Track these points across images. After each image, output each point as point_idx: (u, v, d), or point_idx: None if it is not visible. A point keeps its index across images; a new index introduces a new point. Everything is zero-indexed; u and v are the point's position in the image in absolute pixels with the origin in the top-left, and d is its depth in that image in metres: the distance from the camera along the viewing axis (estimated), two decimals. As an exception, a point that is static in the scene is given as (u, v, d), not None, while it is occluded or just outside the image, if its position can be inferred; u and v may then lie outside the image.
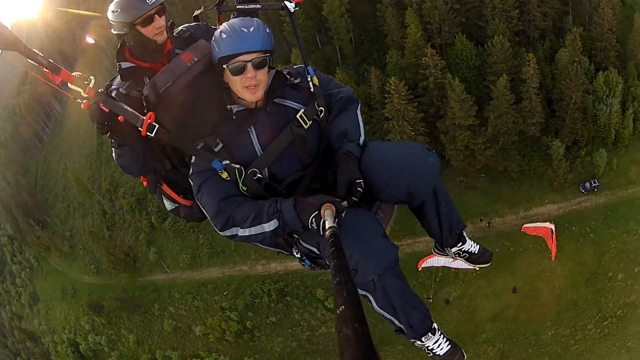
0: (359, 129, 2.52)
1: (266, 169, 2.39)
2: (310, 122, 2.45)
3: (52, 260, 50.44)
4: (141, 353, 41.13)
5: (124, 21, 2.44)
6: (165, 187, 2.73)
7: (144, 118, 2.16)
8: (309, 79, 2.52)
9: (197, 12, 2.85)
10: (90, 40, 45.68)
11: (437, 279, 33.01)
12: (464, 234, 2.83)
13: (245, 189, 2.33)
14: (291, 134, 2.41)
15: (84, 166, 47.54)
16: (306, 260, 2.54)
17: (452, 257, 2.98)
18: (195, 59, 2.37)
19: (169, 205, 2.80)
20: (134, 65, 2.59)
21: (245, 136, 2.40)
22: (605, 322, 36.92)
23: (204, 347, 37.89)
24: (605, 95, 37.83)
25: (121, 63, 2.57)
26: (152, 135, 2.19)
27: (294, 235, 2.40)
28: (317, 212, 2.02)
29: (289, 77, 2.52)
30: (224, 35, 2.24)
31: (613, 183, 38.19)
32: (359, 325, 0.75)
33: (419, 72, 32.34)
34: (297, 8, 2.56)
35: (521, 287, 33.96)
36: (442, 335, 2.69)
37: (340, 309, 0.82)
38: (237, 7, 2.64)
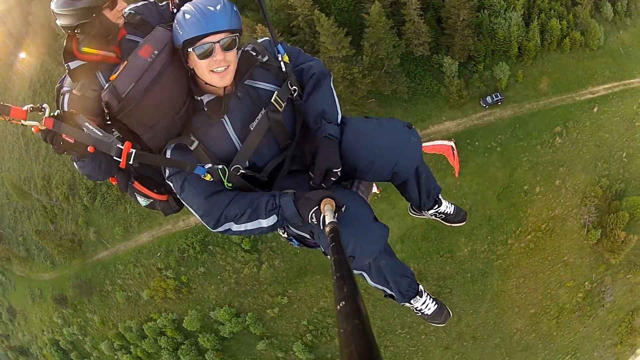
0: (335, 106, 2.49)
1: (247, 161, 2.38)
2: (285, 103, 2.42)
3: (15, 270, 54.10)
4: (107, 330, 44.97)
5: (92, 6, 2.34)
6: (137, 185, 2.60)
7: (121, 147, 2.06)
8: (279, 58, 2.47)
9: None
10: (22, 55, 45.98)
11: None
12: (440, 196, 2.99)
13: (230, 185, 2.33)
14: (267, 120, 2.37)
15: (18, 169, 51.11)
16: (294, 241, 2.62)
17: (428, 218, 3.15)
18: (156, 52, 2.17)
19: (143, 201, 2.70)
20: (83, 62, 2.43)
21: (219, 128, 2.35)
22: (529, 236, 37.38)
23: (153, 310, 41.29)
24: (504, 10, 38.46)
25: (69, 63, 2.42)
26: (131, 162, 2.10)
27: None
28: (317, 207, 2.05)
29: (256, 55, 2.45)
30: (187, 16, 2.11)
31: (520, 95, 38.59)
32: (360, 321, 0.76)
33: (290, 13, 34.67)
34: None
35: None
36: (428, 297, 2.89)
37: (341, 305, 0.83)
38: None
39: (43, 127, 2.00)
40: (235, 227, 2.30)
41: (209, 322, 39.12)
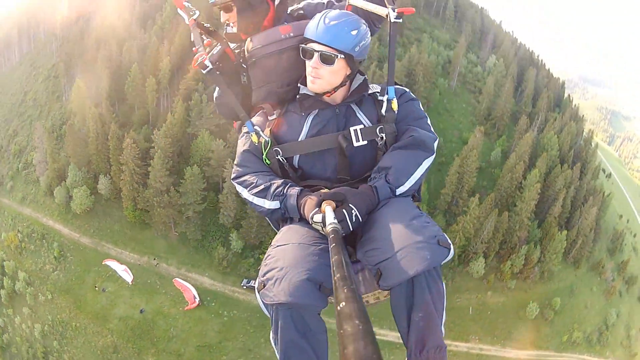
0: (410, 177, 2.54)
1: (296, 158, 2.76)
2: (365, 142, 2.66)
3: None
4: None
5: None
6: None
7: (204, 50, 2.87)
8: (384, 99, 2.75)
9: None
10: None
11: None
12: None
13: (269, 162, 2.75)
14: (336, 140, 2.65)
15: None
16: None
17: None
18: (291, 34, 2.80)
19: None
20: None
21: (299, 120, 2.76)
22: None
23: None
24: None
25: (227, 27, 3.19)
26: (209, 68, 2.78)
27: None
28: (317, 208, 2.33)
29: (377, 91, 2.81)
30: (315, 18, 2.66)
31: None
32: (360, 322, 0.83)
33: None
34: (399, 20, 2.77)
35: (148, 312, 53.40)
36: None
37: (341, 306, 0.91)
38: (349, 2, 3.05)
39: (187, 23, 3.00)
40: (245, 194, 2.70)
41: None
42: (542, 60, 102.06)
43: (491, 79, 78.38)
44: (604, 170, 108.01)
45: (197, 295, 52.44)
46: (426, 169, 2.61)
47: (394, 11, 2.69)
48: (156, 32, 63.87)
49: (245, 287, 54.08)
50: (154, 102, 60.19)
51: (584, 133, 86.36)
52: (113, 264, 51.75)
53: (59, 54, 76.55)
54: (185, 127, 56.45)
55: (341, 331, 0.82)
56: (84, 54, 68.05)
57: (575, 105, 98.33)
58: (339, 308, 0.91)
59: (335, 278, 1.13)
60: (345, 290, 1.01)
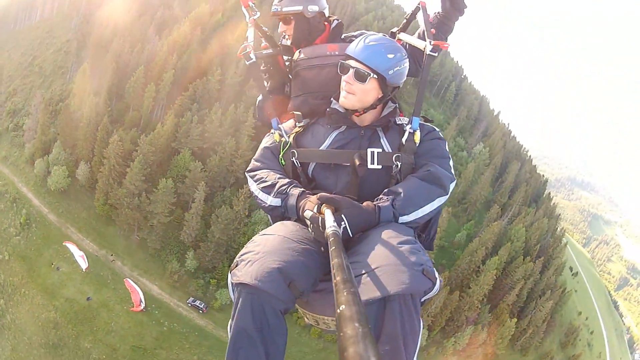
0: (415, 208, 2.49)
1: (311, 167, 2.83)
2: (380, 167, 2.67)
3: None
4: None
5: (318, 10, 3.29)
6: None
7: (250, 48, 3.10)
8: (407, 129, 2.74)
9: (392, 30, 3.46)
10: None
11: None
12: None
13: (283, 163, 2.86)
14: (352, 158, 2.67)
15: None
16: None
17: None
18: (336, 52, 3.02)
19: None
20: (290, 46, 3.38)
21: (325, 132, 2.85)
22: None
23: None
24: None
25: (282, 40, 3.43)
26: (253, 60, 3.09)
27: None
28: (316, 211, 2.35)
29: (405, 122, 2.80)
30: (357, 38, 2.82)
31: (222, 324, 55.66)
32: (360, 325, 0.85)
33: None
34: (435, 54, 2.87)
35: (94, 301, 55.98)
36: None
37: (341, 308, 0.93)
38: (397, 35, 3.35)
39: (248, 20, 3.26)
40: (253, 188, 2.78)
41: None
42: (529, 156, 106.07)
43: (472, 165, 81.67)
44: (571, 268, 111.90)
45: (143, 300, 54.71)
46: (436, 208, 2.56)
47: (430, 44, 2.82)
48: (169, 43, 67.19)
49: (189, 305, 56.61)
50: (149, 108, 63.22)
51: (557, 230, 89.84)
52: (72, 248, 54.18)
53: (76, 32, 79.54)
54: (171, 140, 59.46)
55: (341, 334, 0.85)
56: (98, 40, 70.88)
57: (553, 203, 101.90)
58: (339, 311, 0.95)
59: (336, 280, 1.15)
60: (346, 293, 1.03)
